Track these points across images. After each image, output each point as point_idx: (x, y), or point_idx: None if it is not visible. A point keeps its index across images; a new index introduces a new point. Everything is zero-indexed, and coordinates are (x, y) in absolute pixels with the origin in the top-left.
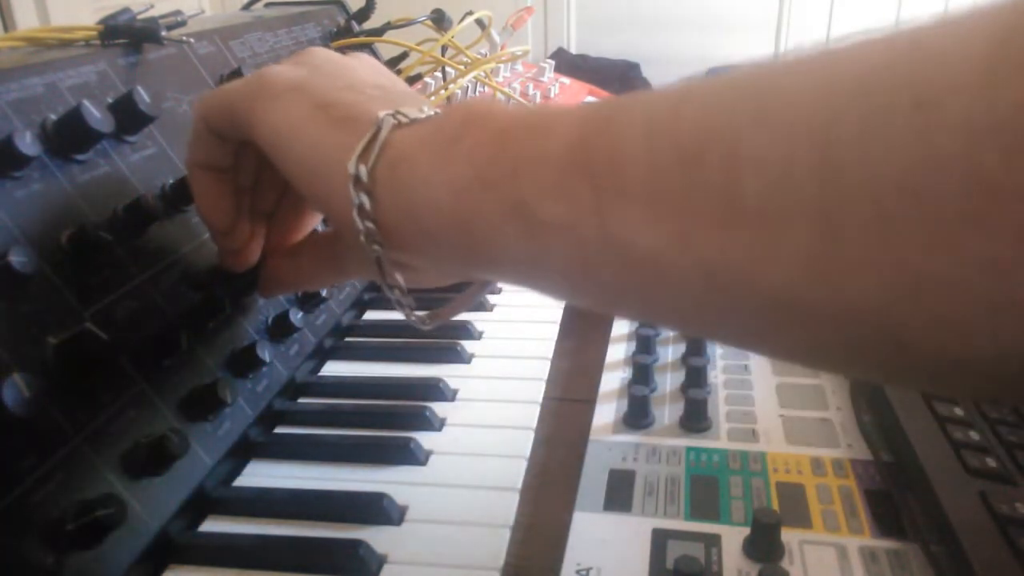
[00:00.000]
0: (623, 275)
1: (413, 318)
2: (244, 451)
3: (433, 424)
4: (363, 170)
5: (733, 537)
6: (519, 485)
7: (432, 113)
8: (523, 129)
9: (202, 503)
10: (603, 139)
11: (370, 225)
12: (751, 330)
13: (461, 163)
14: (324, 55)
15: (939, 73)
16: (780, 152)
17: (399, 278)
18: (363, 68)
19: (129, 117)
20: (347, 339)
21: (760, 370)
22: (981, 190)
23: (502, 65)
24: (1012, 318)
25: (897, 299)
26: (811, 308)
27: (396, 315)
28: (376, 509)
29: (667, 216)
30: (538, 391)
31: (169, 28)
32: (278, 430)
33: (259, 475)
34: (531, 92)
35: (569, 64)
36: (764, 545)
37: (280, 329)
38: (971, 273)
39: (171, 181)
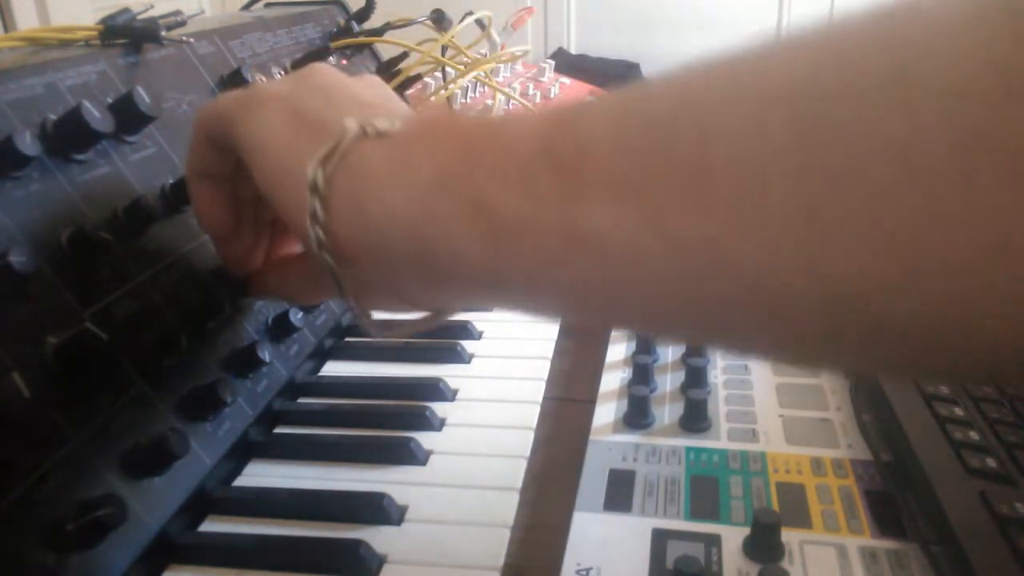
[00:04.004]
0: (590, 271)
1: (370, 327)
2: (244, 451)
3: (433, 424)
4: (320, 175)
5: (733, 537)
6: (519, 485)
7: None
8: (486, 132)
9: (202, 503)
10: (571, 130)
11: (320, 233)
12: (727, 322)
13: (418, 168)
14: (322, 70)
15: (920, 35)
16: (752, 124)
17: (353, 291)
18: (358, 84)
19: (129, 117)
20: (347, 339)
21: (760, 370)
22: (967, 144)
23: (502, 65)
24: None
25: (888, 280)
26: (790, 294)
27: (395, 315)
28: (376, 509)
29: (634, 199)
30: (538, 391)
31: (169, 28)
32: (278, 430)
33: (259, 475)
34: (531, 92)
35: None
36: (764, 545)
37: (280, 329)
38: (964, 238)
39: (171, 181)
